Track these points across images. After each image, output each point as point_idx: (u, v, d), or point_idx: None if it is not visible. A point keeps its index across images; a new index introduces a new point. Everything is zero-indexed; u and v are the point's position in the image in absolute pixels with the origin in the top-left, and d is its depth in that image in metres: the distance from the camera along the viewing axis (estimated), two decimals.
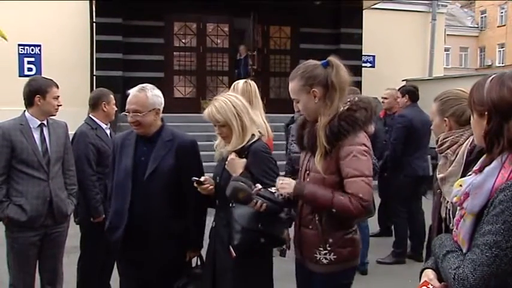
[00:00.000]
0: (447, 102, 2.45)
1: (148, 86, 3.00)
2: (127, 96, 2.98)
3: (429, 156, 5.86)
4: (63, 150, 3.54)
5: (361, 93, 5.53)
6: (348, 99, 2.40)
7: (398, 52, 13.30)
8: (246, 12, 11.40)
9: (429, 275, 1.71)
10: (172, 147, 2.96)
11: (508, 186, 1.44)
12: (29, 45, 11.50)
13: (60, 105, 3.54)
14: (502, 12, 37.36)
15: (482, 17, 39.44)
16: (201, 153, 3.08)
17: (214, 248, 2.77)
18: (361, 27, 12.23)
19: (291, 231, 2.65)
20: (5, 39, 8.03)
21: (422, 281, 1.72)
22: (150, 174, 2.91)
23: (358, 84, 9.30)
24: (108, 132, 4.10)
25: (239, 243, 2.49)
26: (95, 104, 4.09)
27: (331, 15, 12.29)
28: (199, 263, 3.04)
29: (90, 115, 4.13)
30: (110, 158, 3.25)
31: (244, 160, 2.65)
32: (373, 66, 13.51)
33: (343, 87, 2.36)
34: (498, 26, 37.48)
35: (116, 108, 4.25)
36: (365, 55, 12.76)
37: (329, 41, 11.93)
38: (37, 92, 3.40)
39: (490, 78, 1.58)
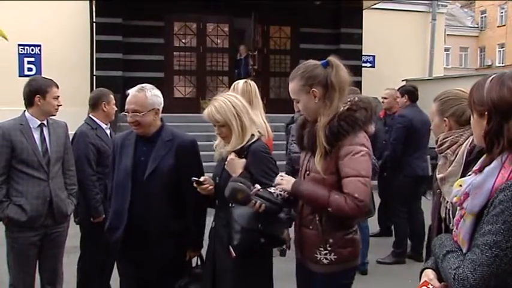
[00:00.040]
0: (447, 102, 2.44)
1: (148, 86, 3.00)
2: (127, 96, 2.97)
3: (429, 156, 5.86)
4: (63, 150, 3.54)
5: (361, 93, 5.53)
6: (348, 99, 2.39)
7: (398, 52, 13.30)
8: (246, 12, 11.38)
9: (429, 275, 1.71)
10: (172, 147, 2.96)
11: (508, 186, 1.44)
12: (29, 45, 11.49)
13: (60, 105, 3.54)
14: (502, 12, 37.35)
15: (482, 17, 39.43)
16: (201, 153, 3.08)
17: (214, 248, 2.77)
18: (361, 27, 12.22)
19: (291, 231, 2.65)
20: (6, 39, 8.04)
21: (422, 281, 1.72)
22: (150, 174, 2.91)
23: (358, 84, 9.30)
24: (108, 132, 4.10)
25: (239, 243, 2.48)
26: (95, 104, 4.10)
27: (331, 15, 12.28)
28: (199, 262, 3.04)
29: (90, 115, 4.13)
30: (109, 158, 3.25)
31: (243, 160, 2.65)
32: (373, 66, 13.50)
33: (343, 87, 2.36)
34: (498, 26, 37.48)
35: (116, 108, 4.25)
36: (365, 55, 12.76)
37: (329, 41, 11.92)
38: (37, 92, 3.40)
39: (490, 78, 1.58)
